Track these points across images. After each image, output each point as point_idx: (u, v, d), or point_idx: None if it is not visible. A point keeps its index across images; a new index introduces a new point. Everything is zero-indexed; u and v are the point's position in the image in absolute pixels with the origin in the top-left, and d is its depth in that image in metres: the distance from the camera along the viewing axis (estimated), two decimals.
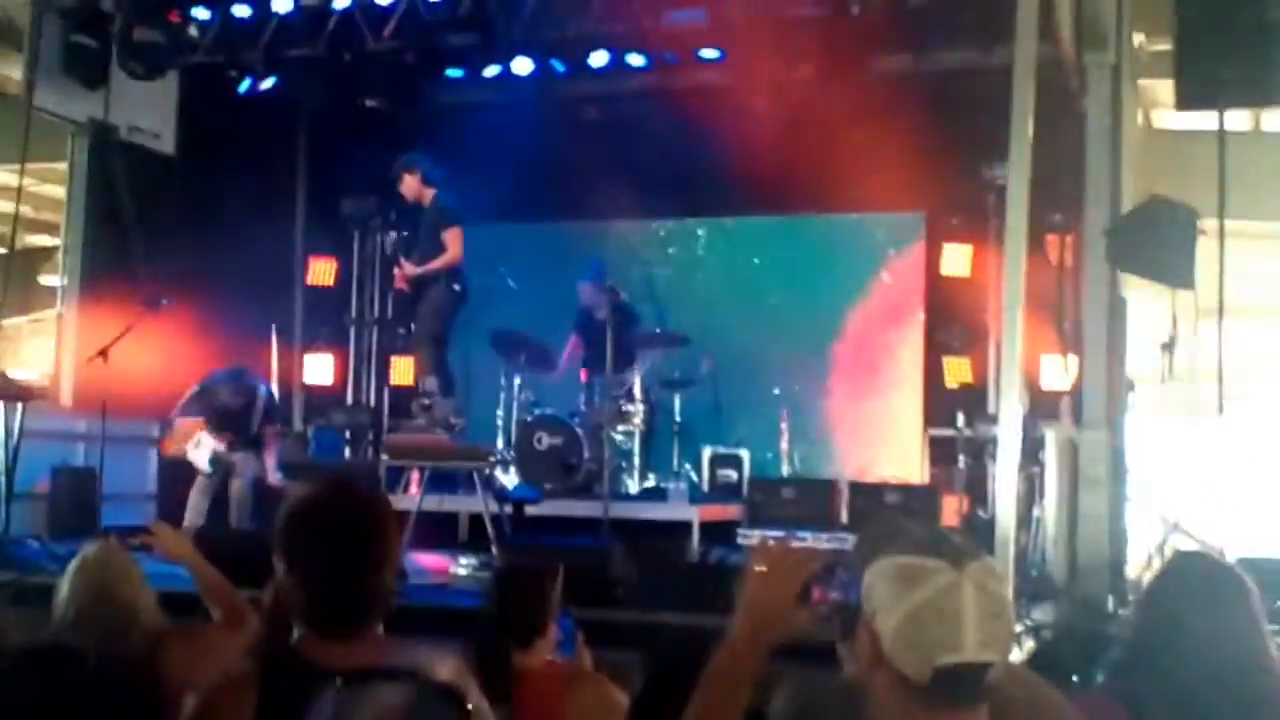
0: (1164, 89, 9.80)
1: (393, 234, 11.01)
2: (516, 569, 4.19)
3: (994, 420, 8.41)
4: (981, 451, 9.51)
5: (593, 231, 12.15)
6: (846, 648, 2.18)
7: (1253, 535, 8.52)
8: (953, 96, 10.03)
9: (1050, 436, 7.62)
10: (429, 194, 9.68)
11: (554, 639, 3.96)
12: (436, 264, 9.46)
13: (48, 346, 11.36)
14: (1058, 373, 8.80)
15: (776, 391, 11.38)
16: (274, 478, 9.56)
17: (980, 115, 8.57)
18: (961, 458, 9.86)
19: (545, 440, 10.19)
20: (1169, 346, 8.00)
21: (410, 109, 11.76)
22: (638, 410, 10.39)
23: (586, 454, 10.10)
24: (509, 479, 10.14)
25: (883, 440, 11.30)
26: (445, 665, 2.48)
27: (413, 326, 10.13)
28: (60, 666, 3.31)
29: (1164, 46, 8.59)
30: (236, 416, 9.62)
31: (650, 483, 10.52)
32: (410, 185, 9.73)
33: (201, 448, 9.45)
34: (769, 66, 10.25)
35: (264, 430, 9.70)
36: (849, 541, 8.25)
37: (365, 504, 2.62)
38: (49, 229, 16.08)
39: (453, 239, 9.45)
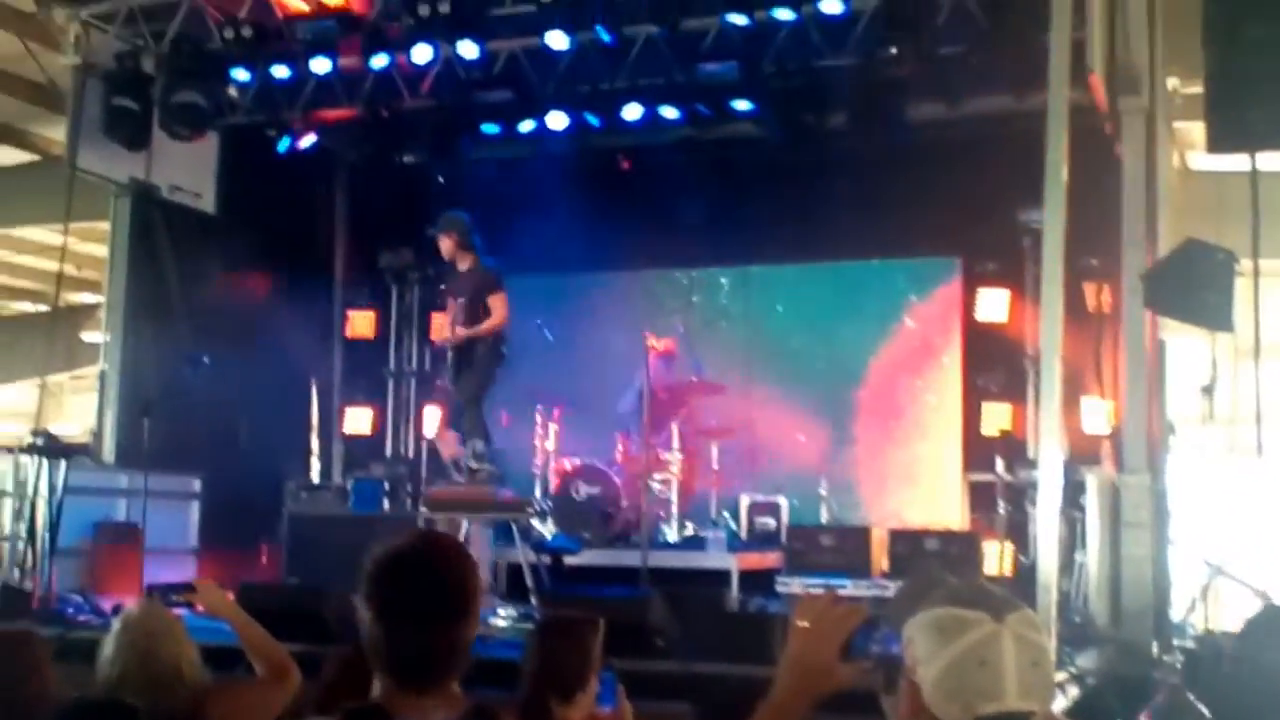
0: (1198, 130, 9.79)
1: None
2: (558, 621, 4.19)
3: (1034, 465, 8.37)
4: (1022, 497, 9.45)
5: (627, 281, 12.20)
6: (889, 702, 2.18)
7: None
8: (986, 143, 10.05)
9: (1091, 481, 7.57)
10: (468, 257, 9.64)
11: (595, 691, 3.96)
12: (483, 329, 9.46)
13: (90, 403, 11.47)
14: (1098, 417, 8.76)
15: (811, 439, 11.34)
16: None
17: (1014, 161, 8.59)
18: (1001, 503, 9.80)
19: (583, 490, 10.21)
20: (1209, 389, 7.95)
21: (446, 164, 11.88)
22: (675, 459, 10.40)
23: (624, 503, 10.11)
24: (546, 529, 10.15)
25: (921, 486, 11.23)
26: None
27: (448, 381, 10.08)
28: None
29: (1197, 89, 8.58)
30: None
31: (689, 531, 10.51)
32: (447, 247, 9.69)
33: None
34: (802, 116, 10.30)
35: None
36: (889, 589, 8.25)
37: (454, 557, 2.61)
38: (91, 287, 16.29)
39: (498, 304, 9.46)
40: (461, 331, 9.59)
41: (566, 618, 4.17)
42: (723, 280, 12.23)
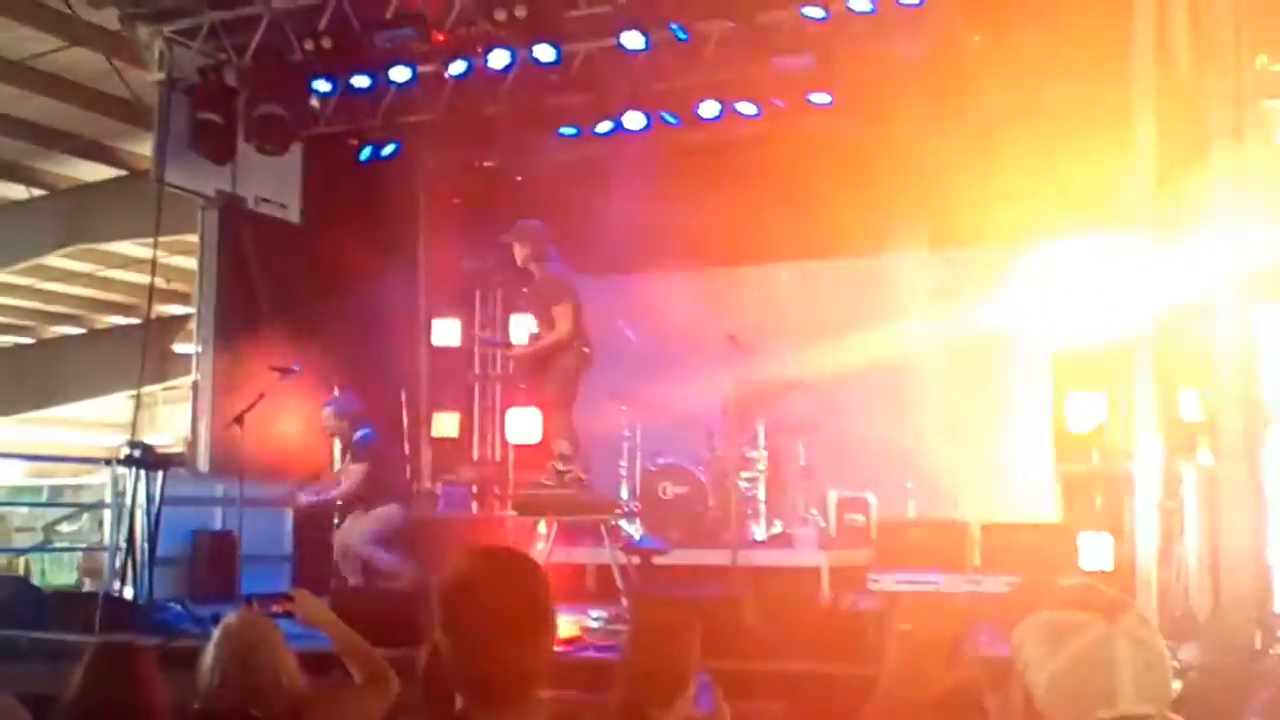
0: None
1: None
2: (655, 624, 4.17)
3: (1128, 455, 8.22)
4: (1118, 487, 9.28)
5: (709, 279, 12.18)
6: (994, 701, 2.15)
7: None
8: (1066, 128, 9.89)
9: (1189, 471, 7.42)
10: (539, 266, 9.50)
11: (692, 694, 3.94)
12: (546, 343, 9.31)
13: (183, 413, 11.66)
14: (1193, 404, 8.58)
15: (897, 433, 11.23)
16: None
17: (1096, 146, 8.45)
18: (1097, 495, 9.63)
19: (670, 490, 10.21)
20: None
21: (526, 167, 11.93)
22: (761, 456, 10.36)
23: (711, 502, 10.08)
24: (634, 529, 10.15)
25: (1013, 479, 11.08)
26: None
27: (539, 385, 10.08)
28: None
29: None
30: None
31: (777, 529, 10.46)
32: (520, 254, 9.64)
33: None
34: (878, 107, 10.22)
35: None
36: (984, 584, 8.12)
37: (522, 574, 2.59)
38: (180, 299, 16.59)
39: (562, 316, 9.23)
40: (518, 350, 9.65)
41: (664, 620, 4.15)
42: (804, 274, 12.17)
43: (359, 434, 9.59)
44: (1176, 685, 5.68)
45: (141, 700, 3.83)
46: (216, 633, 4.11)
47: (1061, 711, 1.96)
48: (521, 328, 10.25)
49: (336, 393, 9.85)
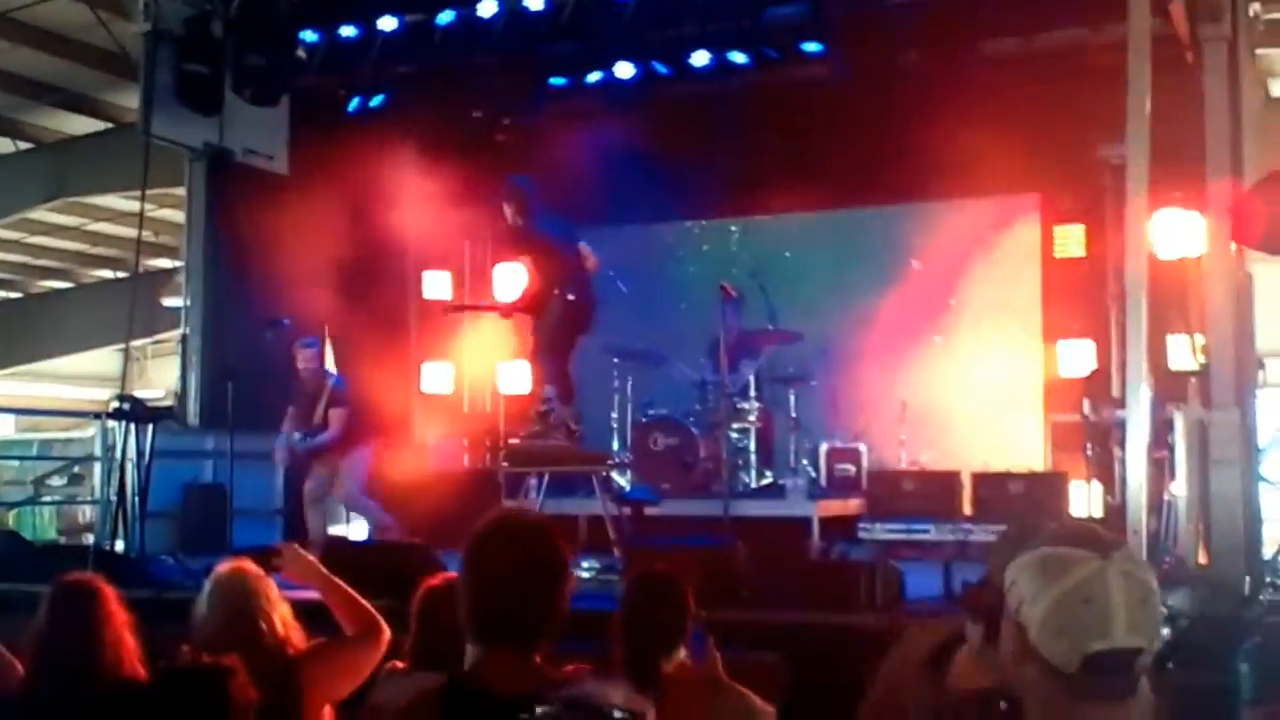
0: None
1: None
2: (654, 574, 4.19)
3: (1119, 404, 8.24)
4: (1106, 436, 9.30)
5: (700, 230, 12.16)
6: (974, 630, 2.18)
7: None
8: (1062, 77, 9.85)
9: (1179, 419, 7.44)
10: (529, 222, 9.49)
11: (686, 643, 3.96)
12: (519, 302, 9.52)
13: (171, 367, 11.63)
14: (1184, 353, 8.59)
15: (891, 383, 11.23)
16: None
17: (1092, 94, 8.41)
18: (1087, 444, 9.66)
19: (661, 441, 10.22)
20: None
21: (515, 117, 11.84)
22: (753, 408, 10.36)
23: (703, 453, 10.10)
24: (625, 480, 10.16)
25: (1003, 428, 11.11)
26: (618, 692, 2.55)
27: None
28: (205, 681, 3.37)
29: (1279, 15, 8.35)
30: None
31: (768, 480, 10.48)
32: (509, 211, 9.61)
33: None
34: (872, 57, 10.15)
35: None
36: (974, 533, 8.14)
37: (545, 532, 2.75)
38: (168, 252, 16.51)
39: (532, 269, 9.41)
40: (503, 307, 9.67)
41: (662, 572, 4.17)
42: (796, 226, 12.13)
43: (333, 379, 9.57)
44: (1166, 631, 5.72)
45: (106, 633, 3.82)
46: (208, 583, 4.11)
47: (1055, 645, 1.97)
48: (508, 278, 10.18)
49: (285, 321, 9.77)
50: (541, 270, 9.29)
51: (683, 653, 3.93)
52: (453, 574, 4.14)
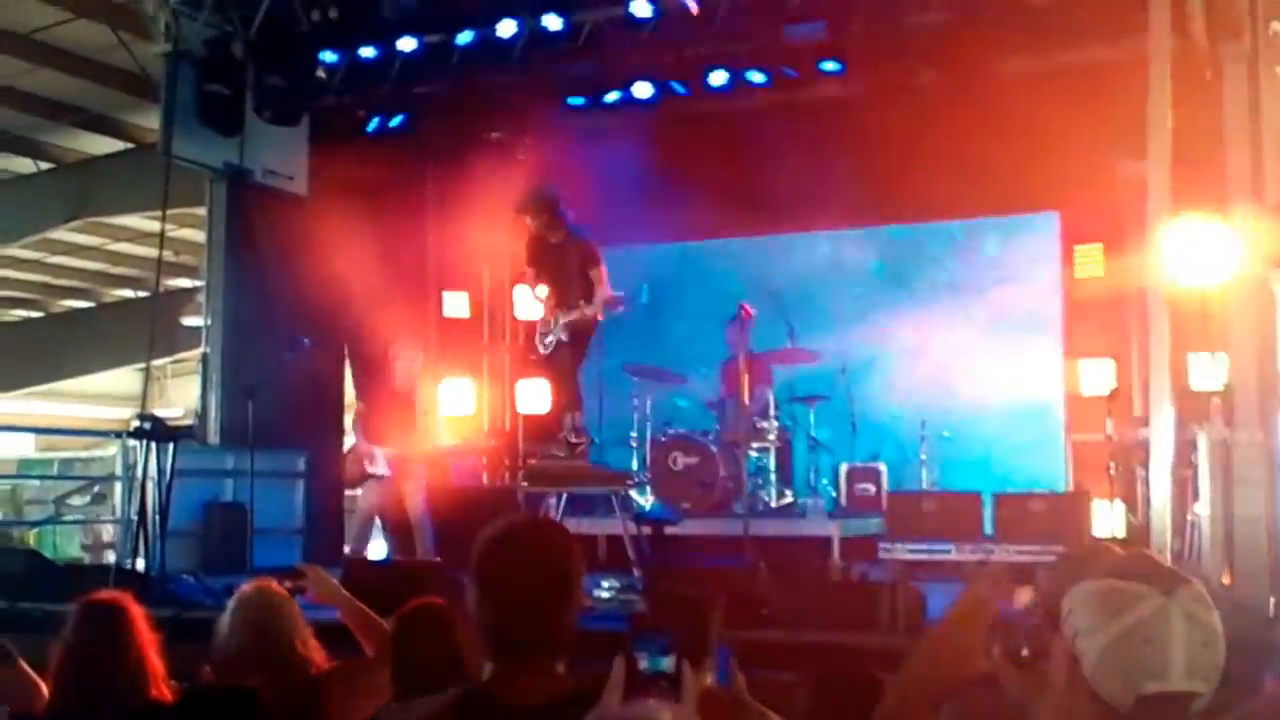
0: None
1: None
2: (680, 595, 4.16)
3: (1141, 423, 8.19)
4: (1129, 456, 9.25)
5: (718, 249, 12.15)
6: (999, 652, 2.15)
7: None
8: (1080, 95, 9.82)
9: (1202, 438, 7.38)
10: (560, 232, 9.47)
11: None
12: (596, 307, 9.41)
13: (191, 386, 11.65)
14: (1206, 372, 8.54)
15: (909, 403, 11.21)
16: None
17: (1110, 111, 8.38)
18: (1110, 464, 9.60)
19: (680, 460, 10.19)
20: None
21: (534, 137, 11.88)
22: (772, 427, 10.34)
23: (722, 472, 10.07)
24: (644, 499, 10.14)
25: (1024, 447, 11.06)
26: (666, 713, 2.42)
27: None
28: (229, 703, 3.38)
29: None
30: None
31: (787, 499, 10.45)
32: (536, 223, 9.55)
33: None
34: (891, 75, 10.15)
35: None
36: (996, 554, 8.07)
37: (558, 541, 2.69)
38: (188, 272, 16.58)
39: (598, 278, 9.40)
40: (568, 318, 9.50)
41: (687, 591, 4.15)
42: (813, 245, 12.12)
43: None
44: None
45: (132, 653, 3.82)
46: (232, 601, 4.12)
47: (1110, 682, 1.92)
48: (526, 300, 10.18)
49: (306, 342, 9.79)
50: (597, 281, 9.28)
51: (709, 676, 3.90)
52: (431, 598, 4.15)
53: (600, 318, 9.47)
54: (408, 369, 9.54)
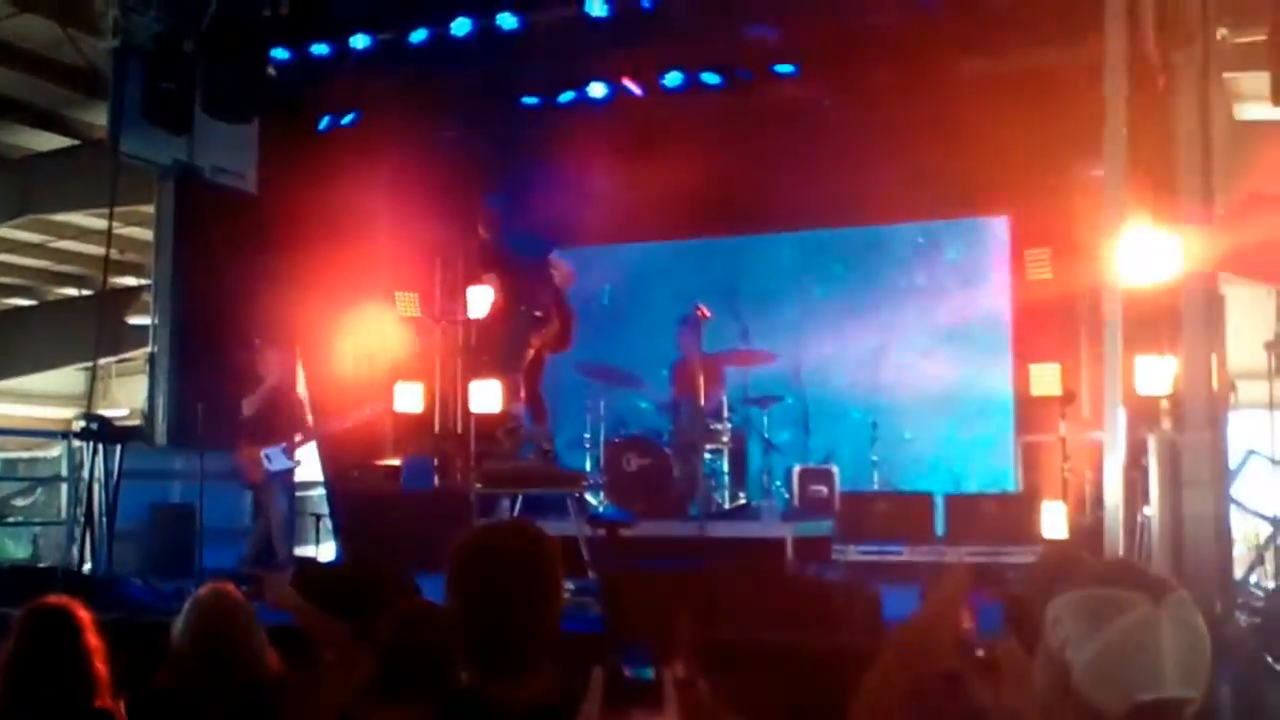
0: (1247, 81, 9.62)
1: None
2: (639, 598, 4.16)
3: (1089, 425, 8.26)
4: (1077, 458, 9.32)
5: (672, 250, 12.14)
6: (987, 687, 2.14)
7: None
8: (1033, 97, 9.89)
9: (1152, 440, 7.45)
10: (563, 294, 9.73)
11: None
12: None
13: (137, 386, 11.50)
14: (1155, 375, 8.62)
15: (862, 405, 11.26)
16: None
17: (1062, 116, 8.44)
18: (1059, 465, 9.67)
19: (634, 461, 10.17)
20: (1273, 345, 7.81)
21: (487, 137, 11.82)
22: (726, 429, 10.34)
23: (675, 474, 10.07)
24: (598, 501, 10.12)
25: (974, 449, 11.14)
26: None
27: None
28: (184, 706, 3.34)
29: (1248, 39, 8.42)
30: None
31: (741, 501, 10.46)
32: (560, 279, 9.78)
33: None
34: (844, 77, 10.18)
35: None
36: (947, 555, 8.10)
37: (537, 545, 2.66)
38: (134, 270, 16.35)
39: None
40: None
41: (648, 593, 4.14)
42: (768, 247, 12.14)
43: None
44: None
45: (77, 661, 3.77)
46: (187, 605, 4.07)
47: (1101, 691, 1.90)
48: (480, 298, 10.18)
49: (256, 342, 9.75)
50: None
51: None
52: (424, 599, 4.11)
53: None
54: (275, 362, 9.57)
